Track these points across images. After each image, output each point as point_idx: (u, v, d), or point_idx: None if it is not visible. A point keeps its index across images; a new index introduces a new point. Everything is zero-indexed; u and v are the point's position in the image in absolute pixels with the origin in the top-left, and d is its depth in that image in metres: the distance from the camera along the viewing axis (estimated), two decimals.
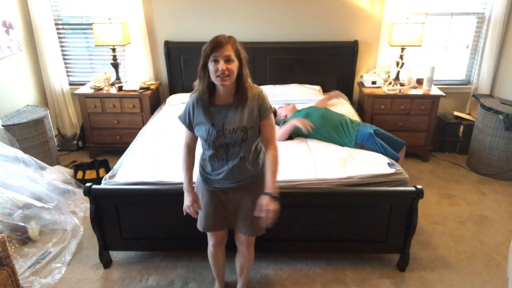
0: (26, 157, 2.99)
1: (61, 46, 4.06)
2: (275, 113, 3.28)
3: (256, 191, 1.81)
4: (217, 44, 1.61)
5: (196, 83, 1.77)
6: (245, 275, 2.19)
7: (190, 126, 1.84)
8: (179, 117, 1.86)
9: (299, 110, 3.22)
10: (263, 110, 1.76)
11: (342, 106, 3.57)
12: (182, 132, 1.89)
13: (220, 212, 1.91)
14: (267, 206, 1.71)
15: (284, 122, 3.12)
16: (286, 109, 3.24)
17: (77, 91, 3.86)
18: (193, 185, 1.91)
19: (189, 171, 1.89)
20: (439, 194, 3.33)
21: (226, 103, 1.74)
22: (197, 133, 1.80)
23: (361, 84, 3.94)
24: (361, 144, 2.80)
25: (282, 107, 3.28)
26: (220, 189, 1.87)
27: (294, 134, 3.04)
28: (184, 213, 1.90)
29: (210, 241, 2.06)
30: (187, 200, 1.87)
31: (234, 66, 1.63)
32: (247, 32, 3.93)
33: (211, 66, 1.63)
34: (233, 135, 1.72)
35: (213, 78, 1.64)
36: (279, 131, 3.01)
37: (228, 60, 1.61)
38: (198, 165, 1.93)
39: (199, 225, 1.97)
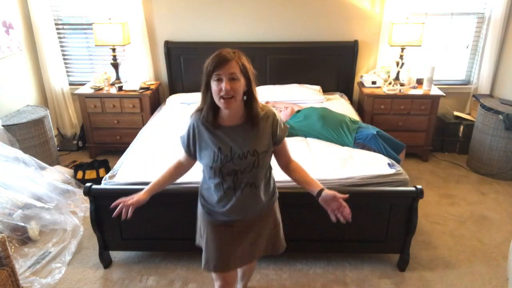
0: (26, 157, 2.99)
1: (61, 46, 4.06)
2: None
3: (268, 219, 1.69)
4: (220, 60, 1.42)
5: (199, 103, 1.58)
6: (247, 278, 2.18)
7: (190, 151, 1.63)
8: (181, 138, 1.66)
9: (297, 112, 3.22)
10: (279, 134, 1.59)
11: (342, 106, 3.57)
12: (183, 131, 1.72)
13: (231, 247, 1.68)
14: (338, 198, 1.56)
15: (285, 123, 3.13)
16: (285, 114, 3.24)
17: (77, 91, 3.86)
18: (143, 190, 1.69)
19: (163, 178, 1.70)
20: (439, 194, 3.33)
21: (234, 124, 1.54)
22: (201, 160, 1.59)
23: (361, 84, 3.94)
24: (363, 144, 2.80)
25: (281, 111, 3.27)
26: (227, 222, 1.66)
27: (292, 134, 3.04)
28: (112, 205, 1.67)
29: (218, 282, 1.76)
30: (134, 196, 1.65)
31: (240, 85, 1.44)
32: (247, 32, 3.93)
33: (213, 85, 1.44)
34: (243, 160, 1.52)
35: (216, 99, 1.45)
36: None
37: (233, 79, 1.43)
38: (199, 194, 1.73)
39: (207, 265, 1.70)
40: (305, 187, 1.66)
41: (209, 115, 1.52)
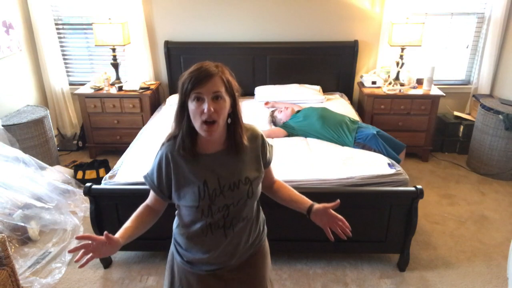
0: (26, 157, 2.99)
1: (61, 46, 4.06)
2: (274, 123, 3.29)
3: (262, 260, 1.47)
4: (202, 76, 1.17)
5: (172, 128, 1.30)
6: None
7: (162, 192, 1.31)
8: (147, 177, 1.34)
9: (297, 112, 3.22)
10: (268, 156, 1.40)
11: (342, 106, 3.57)
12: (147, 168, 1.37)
13: None
14: (328, 209, 1.38)
15: (284, 124, 3.13)
16: (285, 114, 3.24)
17: (77, 91, 3.86)
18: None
19: (133, 226, 1.33)
20: (439, 194, 3.33)
21: (217, 150, 1.29)
22: (181, 201, 1.29)
23: (361, 84, 3.94)
24: (363, 144, 2.80)
25: (281, 111, 3.27)
26: (213, 272, 1.37)
27: (292, 134, 3.05)
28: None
29: None
30: (96, 238, 1.18)
31: (225, 105, 1.20)
32: (247, 32, 3.93)
33: (192, 105, 1.18)
34: (235, 191, 1.28)
35: (195, 123, 1.19)
36: (276, 130, 3.05)
37: (216, 97, 1.18)
38: (173, 240, 1.45)
39: None
40: (293, 206, 1.47)
41: (186, 142, 1.24)
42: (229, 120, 1.26)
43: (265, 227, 1.52)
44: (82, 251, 1.15)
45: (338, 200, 1.40)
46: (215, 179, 1.27)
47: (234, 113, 1.27)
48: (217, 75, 1.21)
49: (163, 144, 1.31)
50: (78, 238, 1.17)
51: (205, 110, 1.16)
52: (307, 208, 1.42)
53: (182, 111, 1.23)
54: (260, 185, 1.38)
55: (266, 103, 3.64)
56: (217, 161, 1.28)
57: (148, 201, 1.40)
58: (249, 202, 1.32)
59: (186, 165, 1.27)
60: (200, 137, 1.26)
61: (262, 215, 1.49)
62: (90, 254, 1.16)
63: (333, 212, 1.40)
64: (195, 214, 1.29)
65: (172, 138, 1.29)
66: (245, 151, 1.31)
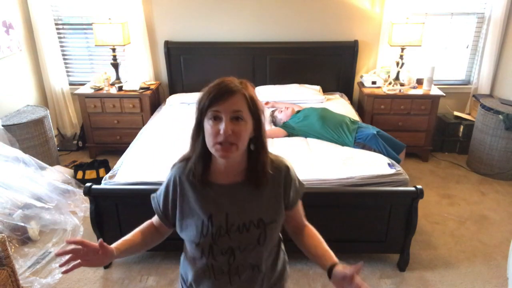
0: (26, 157, 2.99)
1: (61, 46, 4.06)
2: (275, 123, 3.29)
3: None
4: (222, 91, 1.03)
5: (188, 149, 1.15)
6: None
7: (167, 217, 1.19)
8: (154, 197, 1.23)
9: (297, 112, 3.23)
10: (292, 196, 1.18)
11: (342, 106, 3.57)
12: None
13: None
14: (354, 278, 1.05)
15: (285, 124, 3.13)
16: (286, 114, 3.24)
17: (77, 91, 3.86)
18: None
19: (134, 240, 1.21)
20: (439, 194, 3.33)
21: (232, 182, 1.12)
22: (183, 233, 1.15)
23: (361, 84, 3.94)
24: (363, 144, 2.80)
25: (281, 111, 3.27)
26: None
27: (292, 134, 3.05)
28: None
29: None
30: (88, 244, 1.06)
31: (246, 128, 1.04)
32: (247, 32, 3.93)
33: (208, 125, 1.04)
34: (244, 234, 1.10)
35: (209, 144, 1.05)
36: (276, 130, 3.04)
37: (236, 118, 1.02)
38: (179, 274, 1.30)
39: None
40: (315, 261, 1.21)
41: (197, 167, 1.09)
42: (252, 147, 1.09)
43: (287, 269, 1.31)
44: (69, 255, 1.04)
45: (361, 264, 1.08)
46: (223, 215, 1.10)
47: (258, 138, 1.09)
48: (240, 92, 1.04)
49: (174, 165, 1.17)
50: (68, 242, 1.04)
51: (222, 131, 1.00)
52: (328, 266, 1.13)
53: (198, 131, 1.08)
54: (278, 231, 1.18)
55: (266, 103, 3.64)
56: (229, 194, 1.11)
57: (154, 220, 1.26)
58: (259, 249, 1.13)
59: (193, 193, 1.12)
60: (214, 163, 1.10)
61: (282, 264, 1.27)
62: (78, 261, 1.04)
63: (359, 280, 1.06)
64: (196, 251, 1.14)
65: (184, 160, 1.15)
66: (266, 187, 1.12)
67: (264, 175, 1.10)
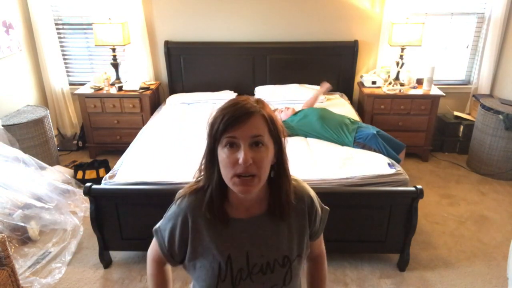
0: (26, 157, 2.99)
1: (61, 46, 4.06)
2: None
3: None
4: (239, 114, 0.89)
5: (197, 177, 1.01)
6: None
7: (173, 256, 1.03)
8: (159, 231, 1.05)
9: (297, 112, 3.23)
10: (318, 225, 1.08)
11: (342, 107, 3.57)
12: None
13: None
14: None
15: (285, 123, 3.13)
16: (286, 113, 3.24)
17: (77, 91, 3.86)
18: None
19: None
20: (439, 194, 3.33)
21: (251, 215, 0.99)
22: (195, 274, 1.01)
23: (361, 84, 3.94)
24: (363, 143, 2.80)
25: (282, 111, 3.27)
26: None
27: (292, 134, 3.04)
28: None
29: None
30: None
31: (267, 154, 0.91)
32: (247, 32, 3.93)
33: (223, 154, 0.90)
34: (268, 275, 0.98)
35: (226, 177, 0.91)
36: None
37: (256, 144, 0.89)
38: None
39: None
40: None
41: (216, 202, 0.96)
42: (272, 174, 0.96)
43: None
44: None
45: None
46: (243, 255, 0.96)
47: (280, 164, 0.97)
48: (258, 113, 0.90)
49: (181, 197, 1.00)
50: None
51: (240, 161, 0.87)
52: None
53: (212, 160, 0.94)
54: (302, 265, 1.07)
55: (287, 109, 3.50)
56: (250, 230, 0.98)
57: (156, 257, 1.07)
58: None
59: (208, 231, 0.97)
60: (231, 195, 0.97)
61: None
62: None
63: None
64: None
65: (195, 192, 0.99)
66: (289, 218, 1.00)
67: (288, 205, 0.98)
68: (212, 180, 0.95)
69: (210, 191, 0.96)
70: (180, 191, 1.03)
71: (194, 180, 1.02)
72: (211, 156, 0.94)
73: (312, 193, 1.08)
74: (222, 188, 0.95)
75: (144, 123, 3.68)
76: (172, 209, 1.02)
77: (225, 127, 0.88)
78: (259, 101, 0.94)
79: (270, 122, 0.92)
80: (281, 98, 3.67)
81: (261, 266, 0.97)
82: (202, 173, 0.99)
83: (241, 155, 0.87)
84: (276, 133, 0.94)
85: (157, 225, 1.05)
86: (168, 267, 1.12)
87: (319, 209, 1.08)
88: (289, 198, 0.98)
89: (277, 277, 0.98)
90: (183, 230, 0.99)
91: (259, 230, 0.98)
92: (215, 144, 0.92)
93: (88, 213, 2.40)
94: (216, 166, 0.94)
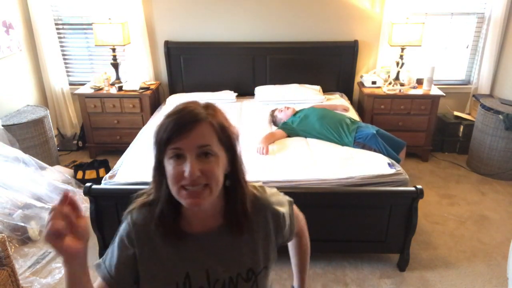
0: (26, 157, 2.99)
1: (61, 46, 4.06)
2: (275, 122, 3.23)
3: None
4: (182, 122, 0.83)
5: (148, 191, 0.94)
6: None
7: (121, 282, 0.93)
8: (97, 266, 0.97)
9: (297, 112, 3.22)
10: (286, 230, 1.01)
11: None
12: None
13: None
14: None
15: (285, 124, 3.12)
16: (286, 113, 3.23)
17: (77, 91, 3.86)
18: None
19: None
20: (439, 194, 3.33)
21: (208, 229, 0.93)
22: None
23: (361, 84, 3.94)
24: (363, 143, 2.80)
25: (282, 111, 3.27)
26: None
27: (292, 134, 3.04)
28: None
29: None
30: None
31: (217, 164, 0.85)
32: (247, 32, 3.93)
33: (169, 165, 0.84)
34: None
35: (173, 189, 0.85)
36: (276, 133, 3.02)
37: (205, 154, 0.83)
38: None
39: None
40: (293, 266, 1.22)
41: (167, 215, 0.89)
42: (227, 183, 0.90)
43: None
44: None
45: None
46: (203, 273, 0.90)
47: (234, 173, 0.90)
48: (205, 120, 0.83)
49: (129, 212, 0.93)
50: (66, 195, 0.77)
51: (186, 174, 0.80)
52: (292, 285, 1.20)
53: (160, 171, 0.87)
54: (269, 275, 0.99)
55: (287, 108, 3.38)
56: (208, 245, 0.91)
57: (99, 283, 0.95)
58: None
59: (164, 248, 0.90)
60: (183, 207, 0.89)
61: None
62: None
63: None
64: None
65: (145, 206, 0.92)
66: (251, 229, 0.93)
67: (245, 217, 0.91)
68: (161, 193, 0.88)
69: (161, 205, 0.89)
70: (130, 206, 0.95)
71: (143, 192, 0.95)
72: (159, 168, 0.87)
73: (276, 201, 0.98)
74: (174, 201, 0.87)
75: (144, 123, 3.68)
76: (121, 228, 0.94)
77: (168, 137, 0.82)
78: (208, 107, 0.87)
79: (220, 130, 0.85)
80: (281, 98, 3.67)
81: (223, 282, 0.91)
82: (151, 186, 0.92)
83: (187, 168, 0.81)
84: (228, 140, 0.87)
85: (100, 260, 0.96)
86: None
87: (286, 216, 1.00)
88: (245, 208, 0.91)
89: None
90: (131, 247, 0.91)
91: (218, 244, 0.91)
92: (162, 155, 0.85)
93: (88, 213, 2.40)
94: (165, 178, 0.87)
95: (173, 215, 0.89)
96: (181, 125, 0.81)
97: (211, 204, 0.88)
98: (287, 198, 1.05)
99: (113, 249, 0.94)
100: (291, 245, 1.18)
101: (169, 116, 0.84)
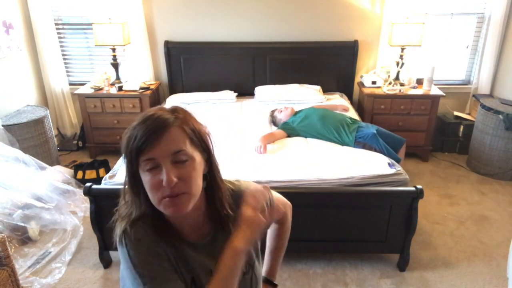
0: (26, 157, 2.99)
1: (61, 46, 4.06)
2: (274, 122, 3.22)
3: None
4: (151, 131, 0.80)
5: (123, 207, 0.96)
6: None
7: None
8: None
9: (297, 112, 3.22)
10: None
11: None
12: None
13: None
14: None
15: (285, 124, 3.12)
16: (285, 113, 3.24)
17: (77, 91, 3.86)
18: None
19: None
20: (439, 194, 3.33)
21: (200, 235, 0.95)
22: None
23: (361, 84, 3.94)
24: (364, 143, 2.80)
25: (281, 111, 3.27)
26: None
27: (292, 134, 3.04)
28: None
29: None
30: None
31: (194, 167, 0.84)
32: (247, 32, 3.93)
33: (145, 177, 0.83)
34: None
35: (153, 200, 0.85)
36: (276, 133, 3.01)
37: (180, 161, 0.82)
38: None
39: None
40: (266, 253, 1.21)
41: (160, 225, 0.89)
42: (204, 184, 0.89)
43: None
44: None
45: None
46: (208, 272, 0.91)
47: (211, 172, 0.90)
48: (174, 125, 0.82)
49: (123, 234, 0.91)
50: None
51: (164, 183, 0.79)
52: (264, 275, 1.17)
53: (135, 184, 0.85)
54: (261, 262, 1.05)
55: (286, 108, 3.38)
56: (208, 251, 0.93)
57: None
58: None
59: (170, 254, 0.90)
60: (170, 218, 0.89)
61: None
62: None
63: None
64: None
65: (138, 221, 0.90)
66: (235, 224, 0.91)
67: (227, 215, 0.92)
68: (144, 207, 0.87)
69: (151, 220, 0.87)
70: (116, 230, 0.93)
71: (118, 215, 0.94)
72: (134, 181, 0.85)
73: (249, 187, 0.98)
74: (156, 213, 0.86)
75: None
76: (131, 255, 0.88)
77: (138, 148, 0.79)
78: (175, 110, 0.85)
79: (191, 132, 0.84)
80: (281, 98, 3.67)
81: None
82: (126, 201, 0.90)
83: (164, 177, 0.79)
84: (201, 141, 0.86)
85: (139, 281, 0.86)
86: None
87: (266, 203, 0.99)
88: (223, 208, 0.91)
89: (244, 285, 0.95)
90: (163, 254, 0.89)
91: (217, 248, 0.90)
92: (135, 167, 0.83)
93: (88, 213, 2.40)
94: (141, 190, 0.85)
95: (166, 226, 0.89)
96: (150, 134, 0.79)
97: (195, 210, 0.88)
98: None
99: (155, 272, 0.86)
100: (270, 231, 1.18)
101: (136, 126, 0.81)
